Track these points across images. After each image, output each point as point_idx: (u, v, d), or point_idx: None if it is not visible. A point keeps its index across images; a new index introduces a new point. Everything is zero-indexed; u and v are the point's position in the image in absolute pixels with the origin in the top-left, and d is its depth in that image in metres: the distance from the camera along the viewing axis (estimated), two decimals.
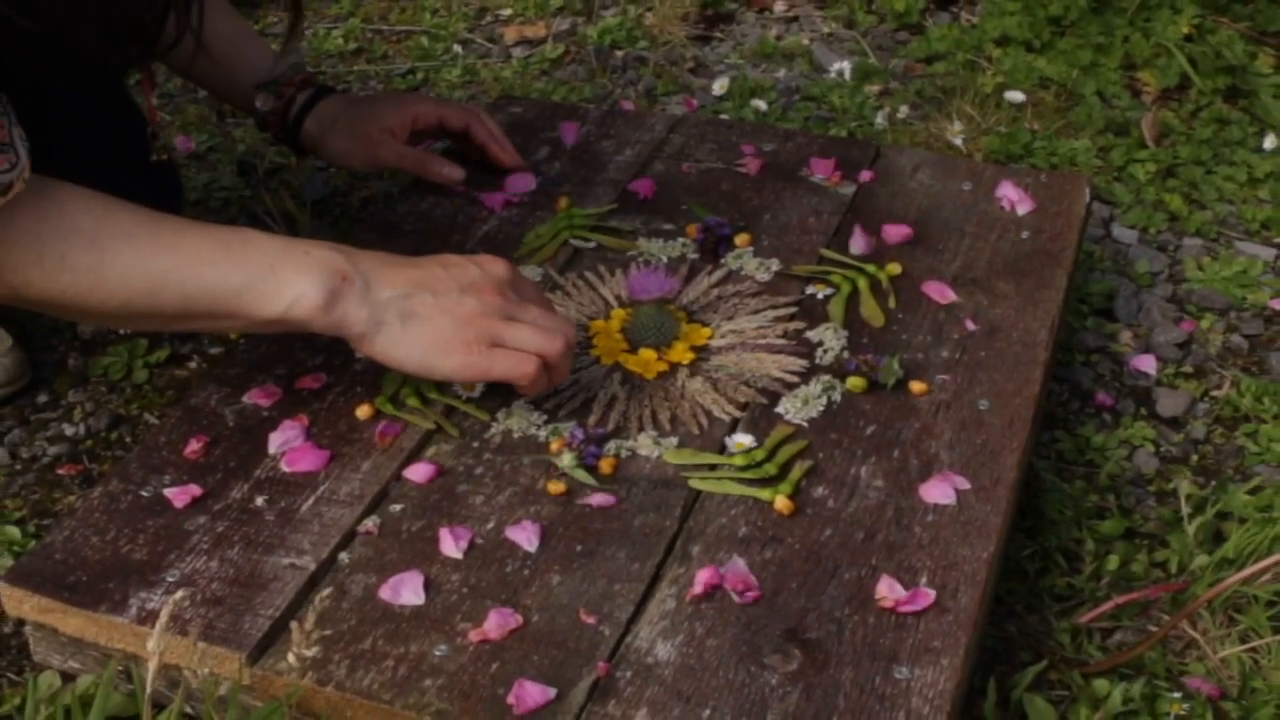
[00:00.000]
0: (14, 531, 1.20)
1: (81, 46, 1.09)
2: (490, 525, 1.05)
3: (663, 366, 1.21)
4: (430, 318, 1.07)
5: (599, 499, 1.07)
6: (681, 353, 1.22)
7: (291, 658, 0.87)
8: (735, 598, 0.99)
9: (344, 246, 1.09)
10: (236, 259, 1.05)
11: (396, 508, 1.07)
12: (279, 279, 1.04)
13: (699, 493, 1.08)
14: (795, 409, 1.16)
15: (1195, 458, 1.34)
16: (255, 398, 1.17)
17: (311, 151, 1.49)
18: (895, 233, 1.37)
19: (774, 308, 1.29)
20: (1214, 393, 1.43)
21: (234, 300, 1.05)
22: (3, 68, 1.08)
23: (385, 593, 0.99)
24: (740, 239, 1.38)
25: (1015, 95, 1.93)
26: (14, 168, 1.01)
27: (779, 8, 2.30)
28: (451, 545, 1.03)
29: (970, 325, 1.26)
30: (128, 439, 1.33)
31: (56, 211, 1.04)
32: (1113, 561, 1.19)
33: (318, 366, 1.21)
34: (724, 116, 1.89)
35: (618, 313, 1.27)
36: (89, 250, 1.04)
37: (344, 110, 1.46)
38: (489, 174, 1.47)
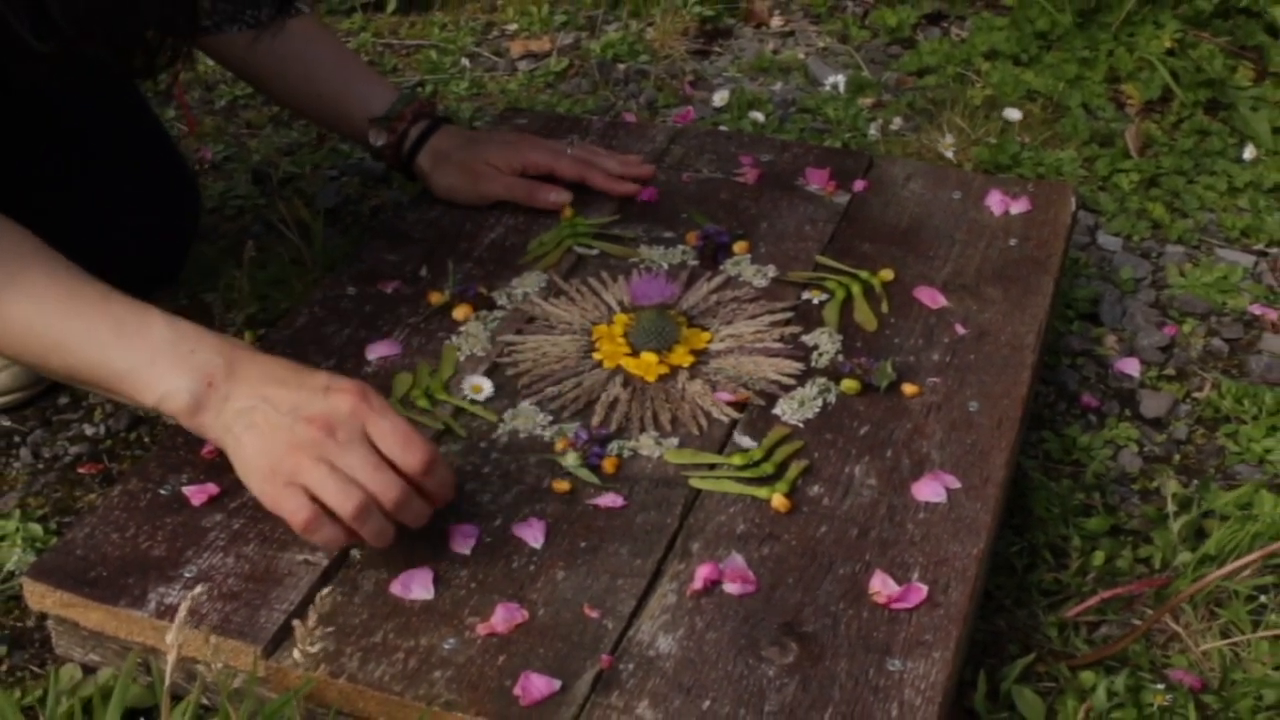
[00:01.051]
0: (36, 528, 1.20)
1: (100, 57, 1.08)
2: (497, 522, 1.05)
3: (663, 369, 1.21)
4: (261, 434, 0.98)
5: (607, 499, 1.07)
6: (682, 356, 1.22)
7: (296, 653, 0.87)
8: (733, 590, 0.99)
9: (240, 348, 1.04)
10: (125, 344, 1.02)
11: None
12: (155, 373, 1.01)
13: (699, 491, 1.08)
14: (792, 410, 1.16)
15: (1178, 457, 1.34)
16: None
17: (422, 182, 1.48)
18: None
19: (771, 313, 1.29)
20: (1195, 394, 1.43)
21: (115, 381, 1.03)
22: (20, 79, 1.08)
23: (396, 588, 0.99)
24: (738, 246, 1.38)
25: (1012, 113, 1.92)
26: None
27: (775, 23, 2.30)
28: (460, 542, 1.03)
29: (960, 329, 1.26)
30: (146, 439, 1.33)
31: None
32: (1098, 557, 1.19)
33: (330, 368, 1.21)
34: (723, 128, 1.89)
35: (620, 317, 1.27)
36: None
37: (455, 148, 1.45)
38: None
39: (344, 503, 0.95)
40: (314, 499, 0.96)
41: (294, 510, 0.96)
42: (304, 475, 0.96)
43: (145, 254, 1.47)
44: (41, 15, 1.01)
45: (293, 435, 0.97)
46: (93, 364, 1.03)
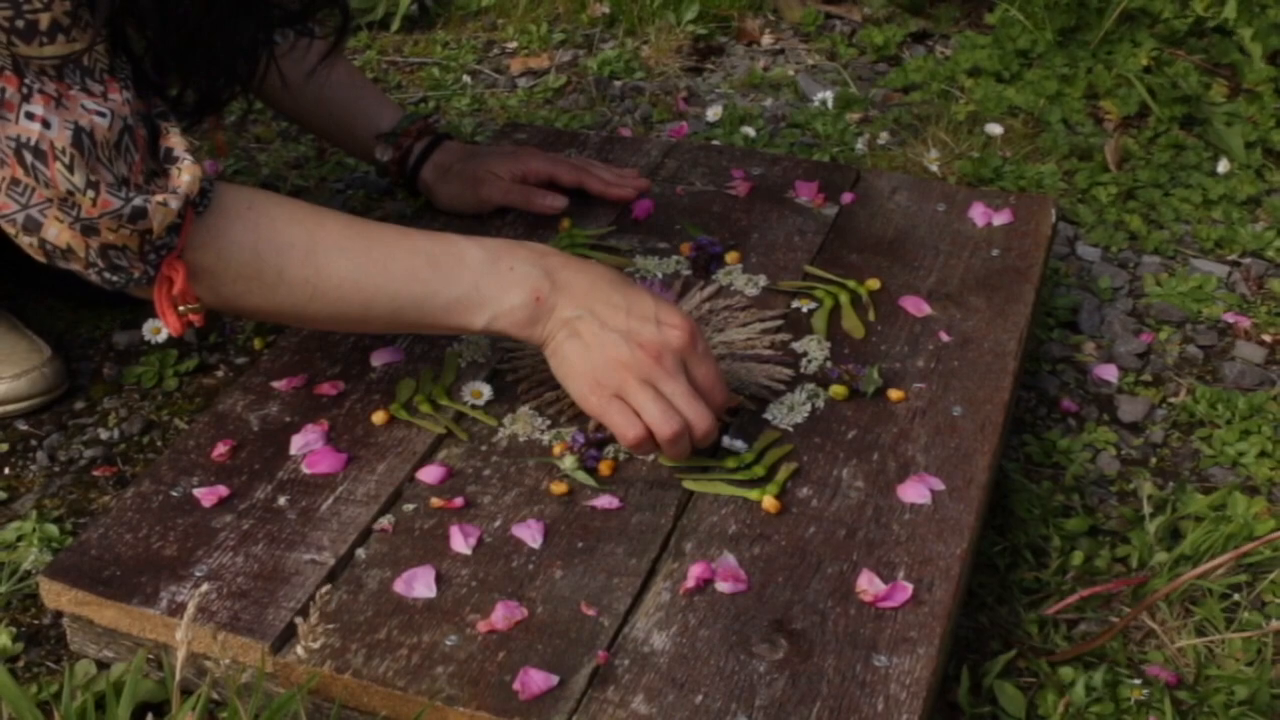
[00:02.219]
0: (52, 529, 1.20)
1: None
2: (497, 523, 1.05)
3: None
4: (586, 345, 1.05)
5: (603, 501, 1.07)
6: None
7: (300, 650, 0.87)
8: (725, 589, 0.99)
9: (550, 255, 1.08)
10: (445, 275, 1.05)
11: (409, 507, 1.07)
12: (482, 296, 1.05)
13: (692, 493, 1.08)
14: (782, 415, 1.16)
15: (1154, 460, 1.34)
16: (278, 404, 1.17)
17: (425, 196, 1.49)
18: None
19: (761, 321, 1.29)
20: (1171, 400, 1.43)
21: (441, 314, 1.06)
22: None
23: (399, 586, 0.99)
24: (730, 257, 1.38)
25: (994, 128, 1.93)
26: (205, 193, 1.03)
27: (766, 41, 2.30)
28: (461, 542, 1.03)
29: (944, 337, 1.26)
30: (159, 443, 1.33)
31: (268, 224, 1.05)
32: (1077, 557, 1.19)
33: (336, 375, 1.21)
34: (715, 142, 1.89)
35: None
36: (304, 265, 1.05)
37: (457, 160, 1.46)
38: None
39: (664, 425, 1.03)
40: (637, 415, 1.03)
41: (624, 425, 1.04)
42: (630, 393, 1.04)
43: None
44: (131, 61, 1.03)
45: (622, 354, 1.04)
46: (418, 301, 1.06)
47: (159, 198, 0.99)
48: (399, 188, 1.54)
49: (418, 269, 1.06)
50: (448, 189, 1.45)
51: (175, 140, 1.03)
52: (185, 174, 1.01)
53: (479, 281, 1.06)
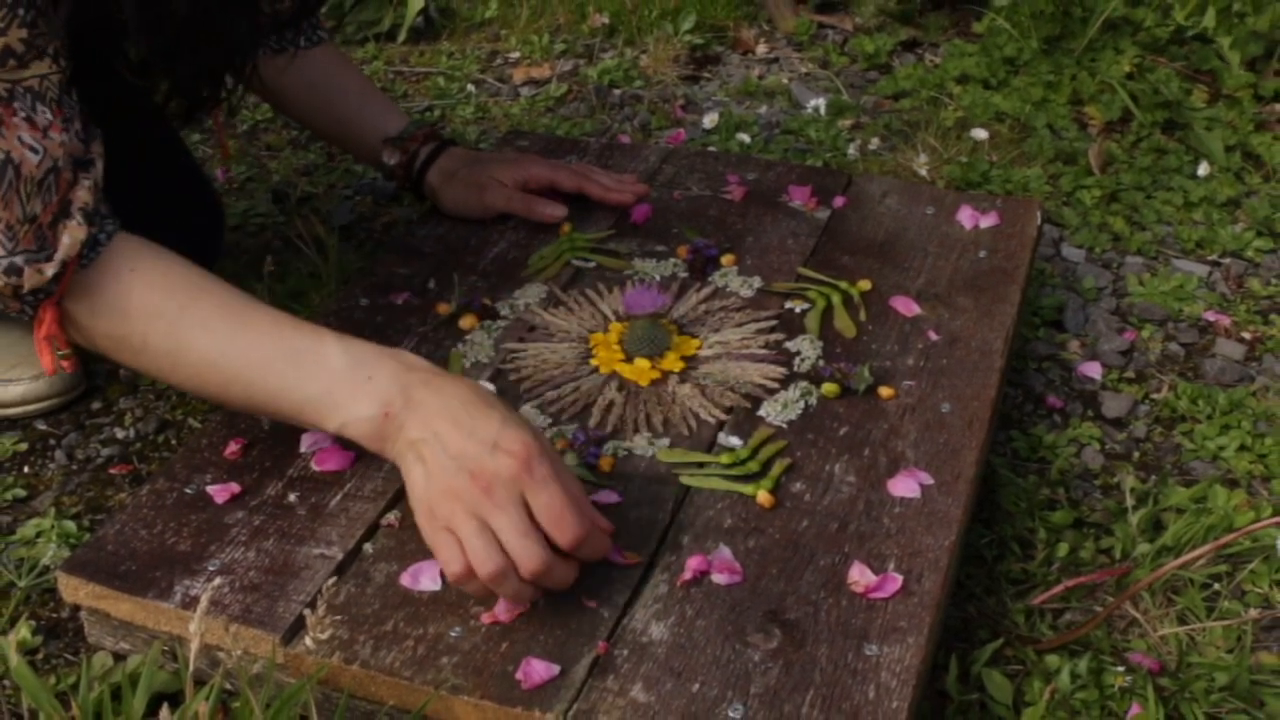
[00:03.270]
0: (70, 526, 1.20)
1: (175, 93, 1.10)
2: None
3: (656, 374, 1.21)
4: (428, 471, 0.95)
5: (603, 496, 1.07)
6: (673, 362, 1.22)
7: (309, 641, 0.86)
8: (721, 581, 0.99)
9: (415, 370, 1.00)
10: (302, 374, 1.00)
11: None
12: (334, 401, 0.99)
13: (689, 488, 1.08)
14: (776, 412, 1.16)
15: (1137, 454, 1.34)
16: None
17: (430, 199, 1.48)
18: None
19: (756, 321, 1.29)
20: (1154, 396, 1.43)
21: (294, 410, 1.02)
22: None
23: (406, 579, 0.99)
24: (726, 259, 1.38)
25: (981, 133, 1.93)
26: (96, 245, 1.02)
27: (761, 50, 2.30)
28: None
29: (933, 336, 1.26)
30: (173, 441, 1.33)
31: (142, 290, 1.03)
32: (1063, 549, 1.19)
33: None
34: (711, 148, 1.89)
35: (615, 326, 1.27)
36: (168, 336, 1.02)
37: (462, 166, 1.46)
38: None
39: (483, 564, 0.92)
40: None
41: (447, 560, 0.93)
42: (456, 525, 0.93)
43: None
44: (124, 52, 1.02)
45: (455, 483, 0.93)
46: (272, 395, 1.01)
47: (35, 267, 1.00)
48: (405, 191, 1.54)
49: (276, 363, 1.01)
50: (452, 193, 1.45)
51: (80, 195, 1.01)
52: (67, 236, 1.00)
53: (333, 387, 0.99)
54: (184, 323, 1.02)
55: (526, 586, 0.93)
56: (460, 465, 0.93)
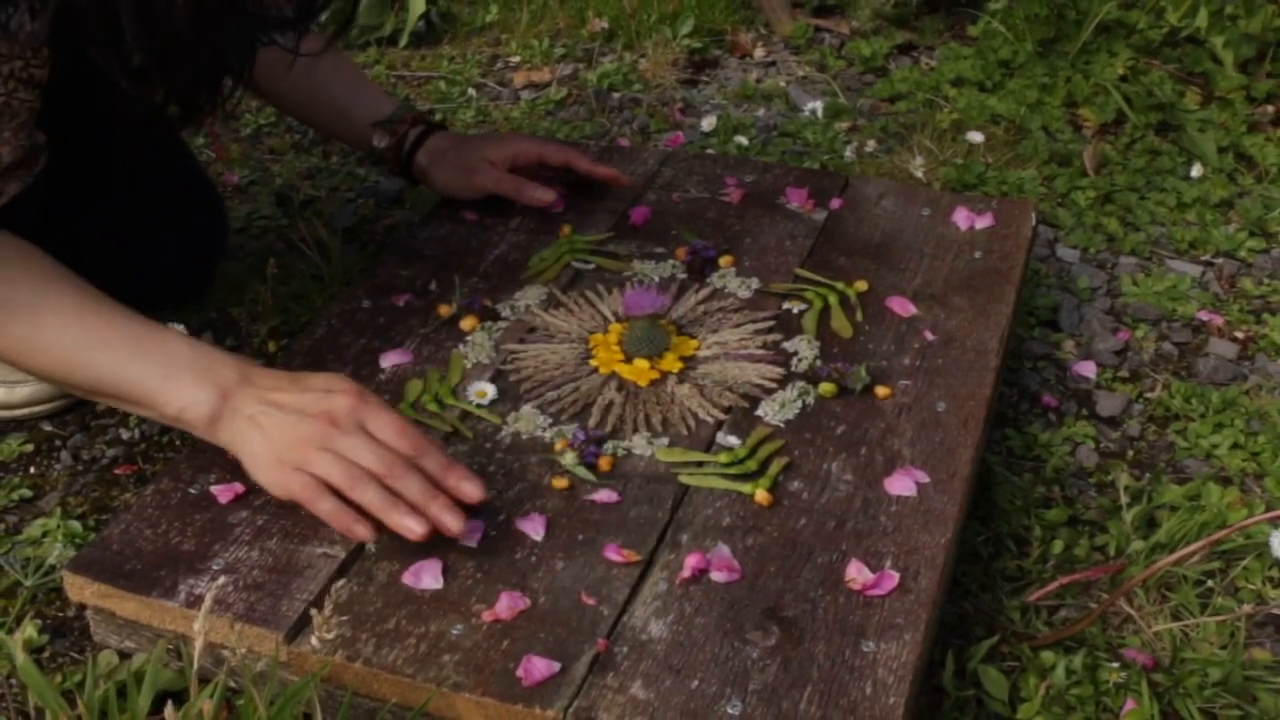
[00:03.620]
0: (76, 525, 1.20)
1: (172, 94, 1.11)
2: (501, 517, 1.05)
3: (655, 375, 1.21)
4: (267, 433, 1.02)
5: (602, 495, 1.07)
6: (672, 362, 1.22)
7: (315, 640, 0.87)
8: (720, 579, 0.99)
9: (250, 365, 1.07)
10: (144, 363, 1.06)
11: None
12: (174, 387, 1.05)
13: (687, 487, 1.08)
14: (773, 412, 1.16)
15: (1131, 453, 1.34)
16: None
17: (421, 181, 1.49)
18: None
19: (754, 322, 1.29)
20: (1148, 395, 1.43)
21: (137, 396, 1.07)
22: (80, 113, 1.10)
23: (408, 578, 0.99)
24: (724, 260, 1.38)
25: (976, 136, 1.93)
26: None
27: (759, 54, 2.30)
28: (467, 535, 1.03)
29: (929, 336, 1.26)
30: (177, 442, 1.33)
31: (2, 281, 1.06)
32: (1057, 546, 1.19)
33: (347, 375, 1.21)
34: (710, 151, 1.89)
35: (615, 327, 1.27)
36: (23, 325, 1.07)
37: (451, 145, 1.47)
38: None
39: (344, 478, 0.98)
40: (320, 482, 0.99)
41: (300, 487, 1.00)
42: (310, 462, 1.00)
43: (177, 272, 1.47)
44: (121, 58, 1.03)
45: (299, 431, 1.00)
46: (116, 380, 1.06)
47: None
48: (395, 174, 1.53)
49: (122, 352, 1.06)
50: (441, 175, 1.46)
51: None
52: None
53: (174, 374, 1.05)
54: (40, 314, 1.06)
55: (388, 494, 0.99)
56: (300, 415, 1.01)
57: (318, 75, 1.45)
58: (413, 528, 0.98)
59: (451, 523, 0.99)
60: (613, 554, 1.00)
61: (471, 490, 1.01)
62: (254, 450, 1.02)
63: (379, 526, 0.99)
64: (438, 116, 2.04)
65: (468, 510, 1.02)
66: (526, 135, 1.51)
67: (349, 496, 0.99)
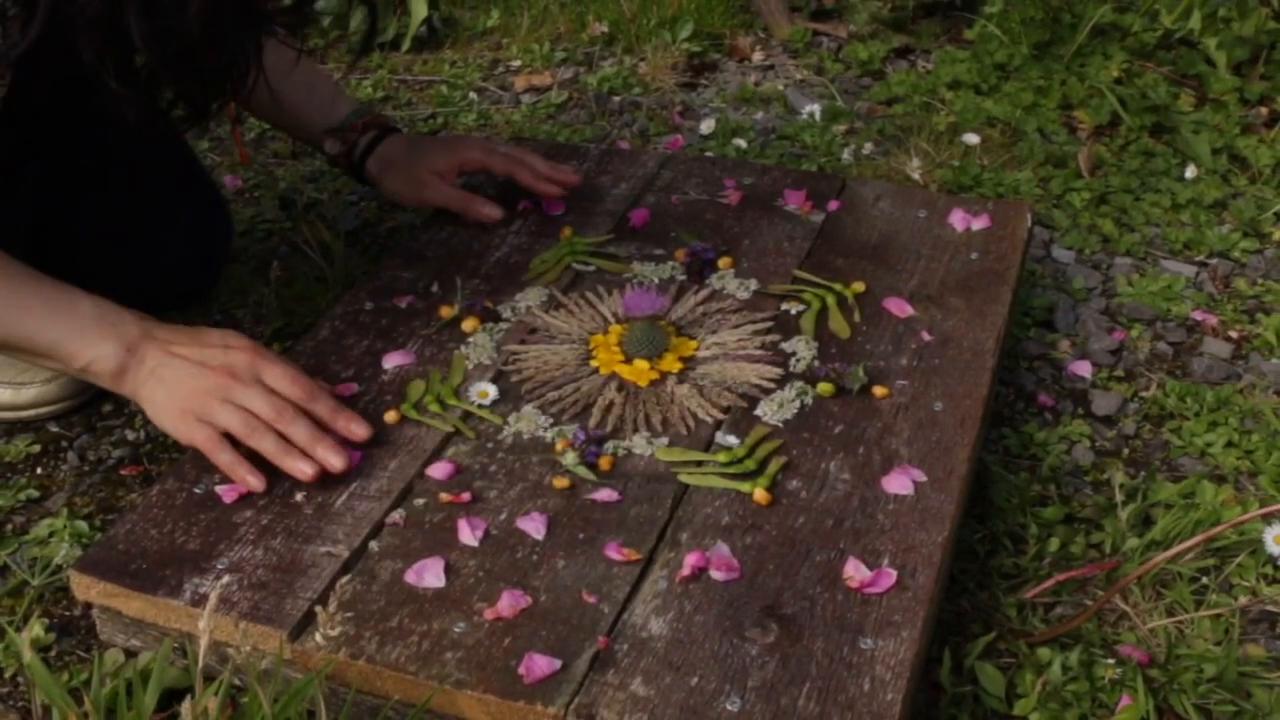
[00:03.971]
0: (82, 525, 1.20)
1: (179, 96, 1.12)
2: (503, 516, 1.05)
3: (654, 375, 1.21)
4: (168, 385, 1.09)
5: (603, 494, 1.07)
6: (671, 363, 1.22)
7: (319, 637, 0.87)
8: (719, 577, 0.99)
9: (152, 320, 1.13)
10: (54, 318, 1.10)
11: (420, 501, 1.07)
12: (84, 342, 1.10)
13: (687, 486, 1.08)
14: (772, 411, 1.16)
15: (1126, 451, 1.34)
16: None
17: (373, 186, 1.49)
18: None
19: (753, 322, 1.29)
20: (1142, 394, 1.43)
21: (47, 349, 1.11)
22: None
23: (410, 577, 0.99)
24: (723, 262, 1.38)
25: (972, 138, 1.93)
26: None
27: (757, 58, 2.30)
28: (469, 534, 1.03)
29: (926, 336, 1.26)
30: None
31: None
32: (1053, 544, 1.19)
33: (350, 377, 1.21)
34: (708, 154, 1.89)
35: (615, 328, 1.27)
36: None
37: (400, 153, 1.46)
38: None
39: (242, 427, 1.07)
40: (221, 433, 1.07)
41: (204, 439, 1.07)
42: (211, 413, 1.07)
43: (179, 273, 1.48)
44: (127, 64, 1.03)
45: (199, 382, 1.08)
46: (29, 335, 1.11)
47: None
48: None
49: (33, 308, 1.10)
50: (391, 185, 1.46)
51: None
52: None
53: (82, 328, 1.10)
54: None
55: (282, 441, 1.07)
56: (201, 368, 1.09)
57: (275, 77, 1.44)
58: (304, 470, 1.06)
59: (335, 461, 1.07)
60: (613, 553, 1.00)
61: (359, 430, 1.11)
62: (157, 400, 1.09)
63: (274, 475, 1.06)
64: (440, 120, 2.05)
65: (473, 509, 1.03)
66: (476, 141, 1.50)
67: (247, 444, 1.07)
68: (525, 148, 1.53)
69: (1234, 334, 1.54)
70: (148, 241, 1.42)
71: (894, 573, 0.99)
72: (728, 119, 2.02)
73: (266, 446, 1.07)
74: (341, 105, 1.50)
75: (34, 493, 1.26)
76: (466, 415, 1.17)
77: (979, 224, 1.45)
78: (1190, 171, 1.85)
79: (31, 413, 1.34)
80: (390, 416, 1.15)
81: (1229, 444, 1.34)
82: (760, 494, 1.06)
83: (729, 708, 0.88)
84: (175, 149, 1.48)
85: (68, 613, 1.12)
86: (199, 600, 0.97)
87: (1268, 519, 1.18)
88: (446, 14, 2.40)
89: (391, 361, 1.23)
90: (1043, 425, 1.37)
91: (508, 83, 2.20)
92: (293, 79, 1.46)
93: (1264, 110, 2.00)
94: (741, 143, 1.95)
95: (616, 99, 2.12)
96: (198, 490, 1.08)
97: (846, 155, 1.91)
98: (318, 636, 0.91)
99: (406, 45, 2.29)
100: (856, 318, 1.29)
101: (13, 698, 1.04)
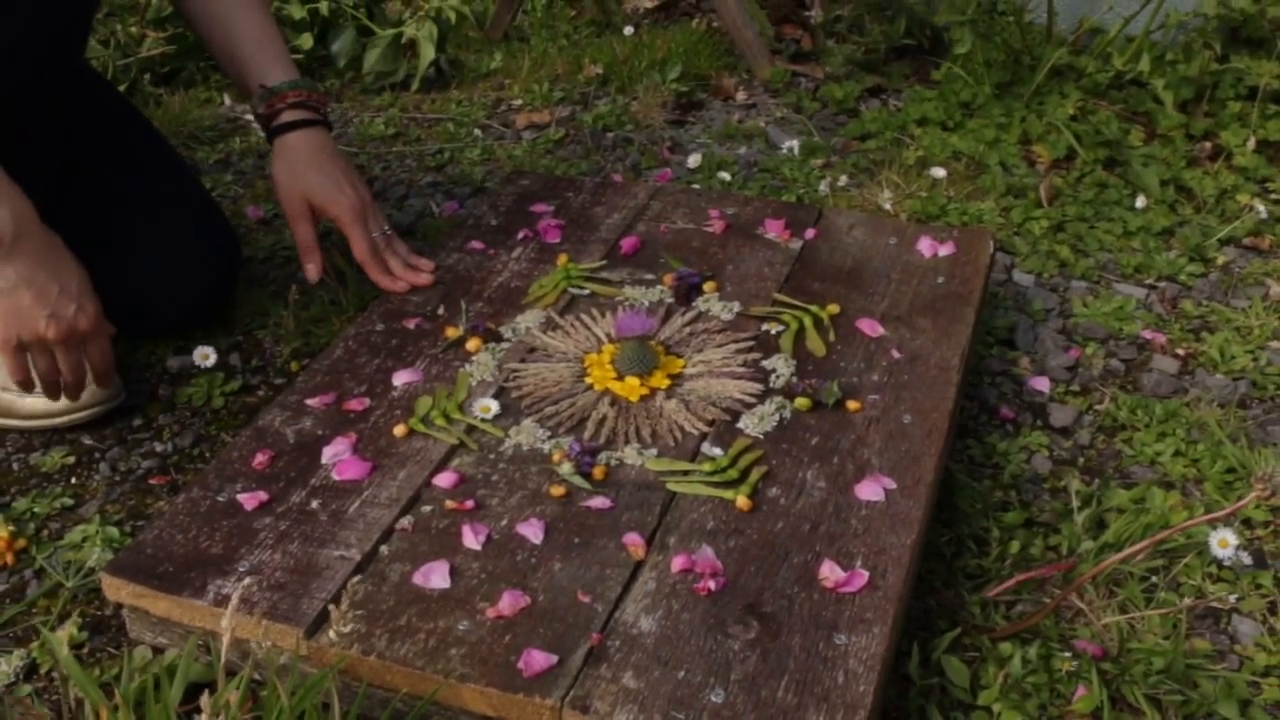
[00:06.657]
0: (113, 531, 1.20)
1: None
2: (504, 522, 1.05)
3: (644, 391, 1.21)
4: (8, 306, 1.16)
5: (597, 502, 1.07)
6: (660, 380, 1.23)
7: (333, 634, 0.87)
8: (709, 583, 0.99)
9: (29, 217, 1.16)
10: None
11: (427, 509, 1.07)
12: None
13: (674, 494, 1.09)
14: (753, 424, 1.17)
15: (1082, 460, 1.35)
16: (311, 419, 1.18)
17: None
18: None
19: (735, 342, 1.29)
20: (1097, 407, 1.43)
21: None
22: None
23: (418, 578, 0.99)
24: (708, 286, 1.39)
25: (939, 171, 1.94)
26: None
27: (740, 97, 2.31)
28: (472, 539, 1.03)
29: (896, 354, 1.27)
30: (207, 454, 1.33)
31: None
32: (1014, 546, 1.20)
33: (362, 393, 1.21)
34: (695, 186, 1.90)
35: (608, 348, 1.28)
36: None
37: (299, 158, 1.39)
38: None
39: (43, 369, 1.22)
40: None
41: (14, 368, 1.21)
42: (36, 352, 1.20)
43: (194, 293, 1.47)
44: None
45: (32, 322, 1.17)
46: None
47: None
48: (416, 229, 1.52)
49: None
50: (276, 175, 1.40)
51: None
52: None
53: None
54: None
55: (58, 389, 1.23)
56: (47, 317, 1.17)
57: (230, 23, 1.40)
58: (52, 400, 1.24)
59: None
60: (629, 541, 1.01)
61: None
62: None
63: None
64: (446, 154, 2.05)
65: (476, 516, 1.02)
66: (360, 209, 1.39)
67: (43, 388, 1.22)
68: (403, 243, 1.45)
69: (1181, 351, 1.54)
70: (163, 267, 1.42)
71: (866, 573, 0.99)
72: (713, 153, 2.03)
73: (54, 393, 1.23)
74: (283, 69, 1.42)
75: (69, 501, 1.26)
76: (470, 429, 1.17)
77: (945, 250, 1.45)
78: (1140, 201, 1.86)
79: (64, 419, 1.34)
80: (399, 430, 1.16)
81: (1177, 453, 1.34)
82: (742, 501, 1.07)
83: (713, 699, 0.89)
84: (172, 173, 1.49)
85: (100, 612, 1.12)
86: (221, 600, 0.97)
87: (1213, 523, 1.18)
88: (453, 56, 2.41)
89: (401, 379, 1.24)
90: (1004, 436, 1.37)
91: (510, 120, 2.21)
92: (244, 27, 1.41)
93: (1208, 145, 2.01)
94: (726, 175, 1.96)
95: (610, 135, 2.13)
96: (220, 498, 1.08)
97: (823, 187, 1.92)
98: (332, 634, 0.91)
99: (416, 85, 2.29)
100: (831, 337, 1.30)
101: (48, 692, 1.04)
